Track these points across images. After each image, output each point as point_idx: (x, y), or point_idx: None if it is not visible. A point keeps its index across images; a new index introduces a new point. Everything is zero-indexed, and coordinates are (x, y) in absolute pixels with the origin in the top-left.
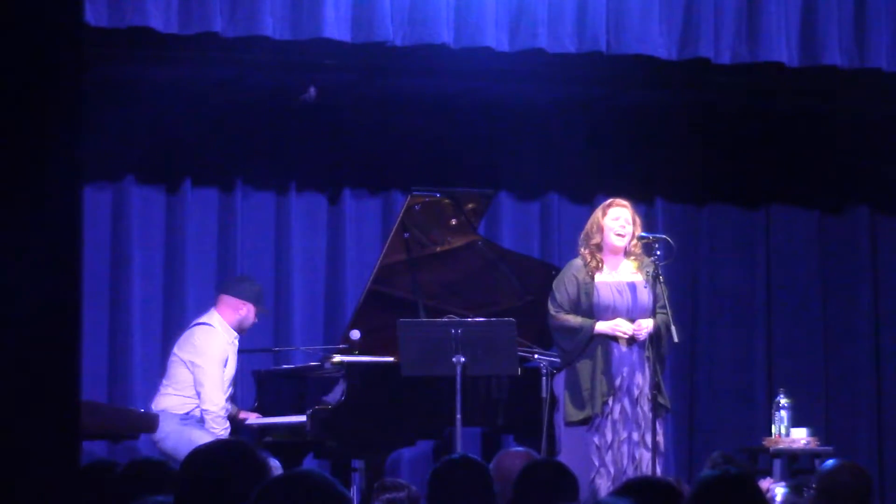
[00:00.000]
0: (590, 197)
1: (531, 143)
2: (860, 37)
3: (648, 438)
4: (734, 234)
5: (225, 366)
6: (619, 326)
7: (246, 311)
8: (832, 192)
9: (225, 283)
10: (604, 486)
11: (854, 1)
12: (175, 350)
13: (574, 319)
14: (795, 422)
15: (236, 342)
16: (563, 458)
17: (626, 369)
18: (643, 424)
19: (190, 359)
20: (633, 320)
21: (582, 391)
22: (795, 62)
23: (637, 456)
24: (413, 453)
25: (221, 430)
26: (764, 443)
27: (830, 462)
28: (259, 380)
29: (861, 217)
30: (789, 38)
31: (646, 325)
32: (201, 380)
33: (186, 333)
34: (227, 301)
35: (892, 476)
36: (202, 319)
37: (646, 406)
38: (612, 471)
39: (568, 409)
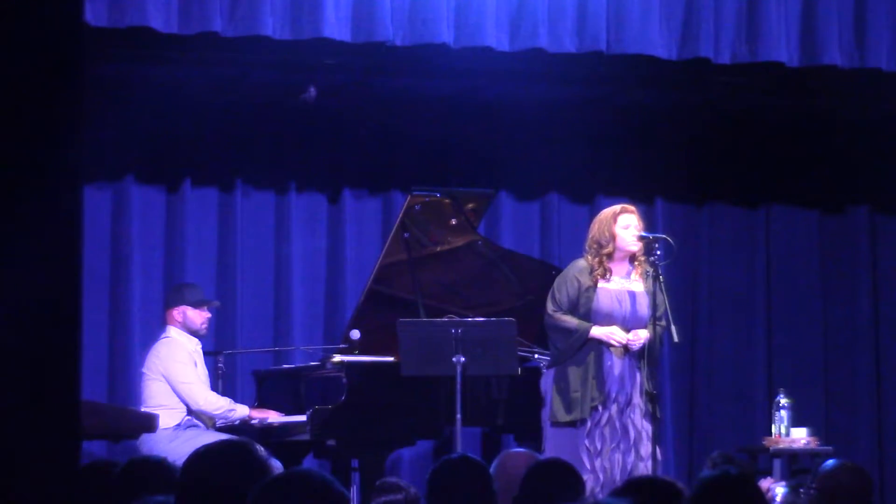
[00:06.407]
0: (590, 197)
1: (531, 143)
2: (860, 37)
3: (641, 448)
4: (734, 234)
5: (196, 367)
6: (613, 335)
7: (184, 315)
8: (832, 192)
9: (165, 300)
10: (589, 488)
11: (854, 1)
12: (144, 370)
13: (570, 321)
14: (795, 422)
15: (199, 348)
16: (548, 455)
17: (616, 378)
18: (633, 434)
19: (161, 371)
20: (628, 329)
21: (570, 393)
22: (795, 62)
23: (630, 466)
24: (413, 453)
25: (227, 411)
26: (764, 443)
27: (830, 462)
28: (259, 379)
29: (861, 217)
30: (789, 38)
31: (643, 336)
32: (181, 388)
33: (150, 352)
34: (169, 314)
35: (892, 476)
36: (160, 337)
37: (636, 416)
38: (601, 477)
39: (556, 410)
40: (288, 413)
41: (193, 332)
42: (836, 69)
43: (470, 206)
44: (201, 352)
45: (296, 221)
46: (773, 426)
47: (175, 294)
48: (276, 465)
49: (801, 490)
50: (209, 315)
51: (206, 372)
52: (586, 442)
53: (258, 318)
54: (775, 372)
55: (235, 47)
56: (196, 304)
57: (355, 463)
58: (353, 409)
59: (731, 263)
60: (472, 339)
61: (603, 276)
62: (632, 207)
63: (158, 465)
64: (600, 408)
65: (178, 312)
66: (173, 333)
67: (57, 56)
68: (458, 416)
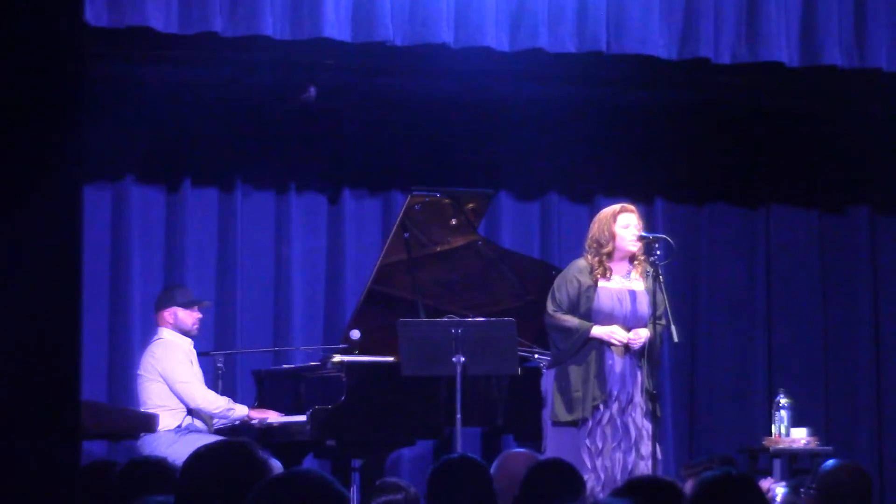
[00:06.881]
0: (590, 197)
1: (531, 143)
2: (860, 37)
3: (641, 447)
4: (734, 234)
5: (192, 366)
6: (614, 334)
7: (175, 316)
8: (832, 192)
9: (155, 303)
10: (590, 488)
11: (854, 1)
12: (140, 372)
13: (571, 320)
14: (795, 422)
15: (192, 348)
16: (549, 455)
17: (618, 376)
18: (633, 433)
19: (159, 371)
20: (629, 329)
21: (572, 393)
22: (795, 62)
23: (630, 465)
24: (413, 453)
25: (226, 410)
26: (764, 443)
27: (830, 462)
28: (259, 380)
29: (861, 217)
30: (789, 38)
31: (644, 335)
32: (179, 387)
33: (145, 354)
34: (159, 316)
35: (892, 476)
36: (152, 339)
37: (637, 415)
38: (602, 477)
39: (557, 410)
40: (288, 413)
41: (185, 333)
42: (836, 69)
43: (470, 206)
44: (195, 351)
45: (296, 221)
46: (773, 426)
47: (165, 296)
48: (276, 465)
49: (801, 490)
50: (200, 315)
51: (201, 371)
52: (587, 441)
53: (258, 318)
54: (775, 372)
55: (235, 47)
56: (186, 305)
57: (355, 463)
58: (353, 409)
59: (731, 263)
60: (472, 339)
61: (603, 276)
62: (632, 207)
63: (158, 465)
64: (601, 407)
65: (169, 314)
66: (166, 335)
67: (57, 56)
68: (458, 416)
